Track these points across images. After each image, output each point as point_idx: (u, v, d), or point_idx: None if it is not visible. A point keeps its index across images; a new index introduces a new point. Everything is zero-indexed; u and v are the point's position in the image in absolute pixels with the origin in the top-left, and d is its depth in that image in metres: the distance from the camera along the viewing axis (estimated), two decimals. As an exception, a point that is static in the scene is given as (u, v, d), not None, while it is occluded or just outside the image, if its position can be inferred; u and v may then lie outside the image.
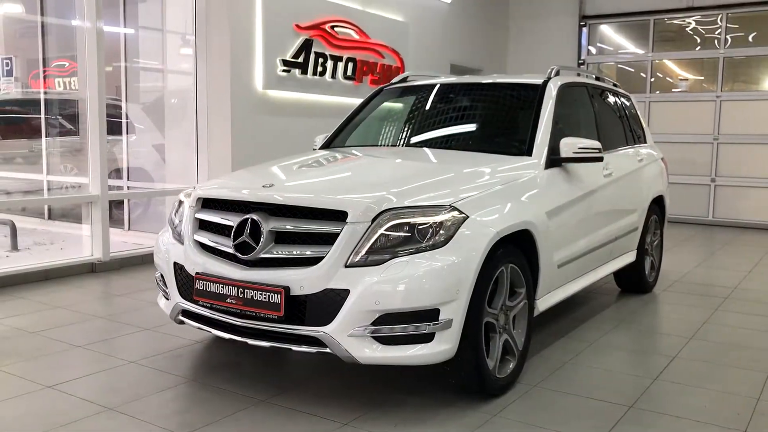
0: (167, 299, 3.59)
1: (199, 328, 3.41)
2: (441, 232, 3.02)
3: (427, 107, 4.69)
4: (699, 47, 10.49)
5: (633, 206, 5.19)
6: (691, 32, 10.53)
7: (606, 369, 3.81)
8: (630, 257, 5.24)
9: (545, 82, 4.36)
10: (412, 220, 3.03)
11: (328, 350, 2.98)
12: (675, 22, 10.61)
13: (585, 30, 11.31)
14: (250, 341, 3.15)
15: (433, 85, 4.78)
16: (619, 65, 11.22)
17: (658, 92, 10.76)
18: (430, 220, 3.04)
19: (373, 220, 3.02)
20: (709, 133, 10.33)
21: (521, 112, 4.39)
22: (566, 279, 4.10)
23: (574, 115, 4.58)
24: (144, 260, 6.47)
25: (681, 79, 10.89)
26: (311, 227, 3.08)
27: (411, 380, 3.52)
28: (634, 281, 5.55)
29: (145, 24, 8.13)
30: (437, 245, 3.00)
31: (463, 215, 3.10)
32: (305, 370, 3.73)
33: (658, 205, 5.77)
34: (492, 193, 3.40)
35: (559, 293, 4.00)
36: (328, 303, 2.96)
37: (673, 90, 10.85)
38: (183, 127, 7.40)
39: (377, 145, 4.72)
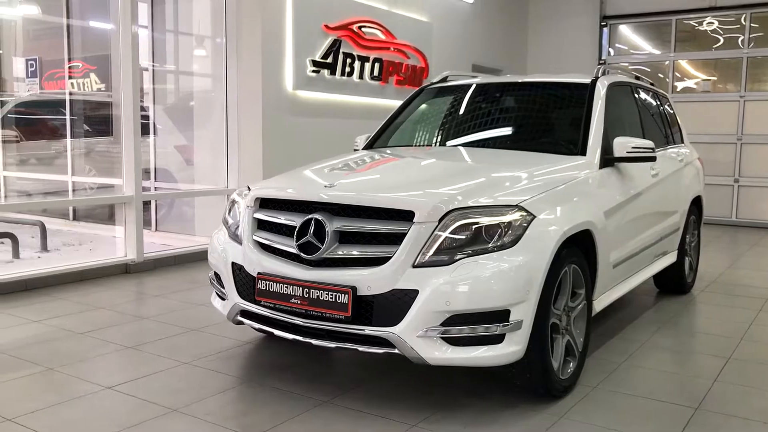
0: (223, 299, 3.58)
1: (258, 330, 3.41)
2: (509, 232, 3.00)
3: (473, 107, 4.67)
4: (720, 47, 10.45)
5: (675, 207, 5.16)
6: (711, 32, 10.49)
7: (661, 370, 3.78)
8: (672, 257, 5.21)
9: (594, 81, 4.33)
10: (479, 220, 3.01)
11: (396, 351, 2.96)
12: (693, 22, 10.57)
13: (606, 30, 11.28)
14: (315, 341, 3.13)
15: (479, 84, 4.75)
16: (638, 65, 11.18)
17: (679, 92, 10.73)
18: (498, 220, 3.02)
19: (440, 220, 3.00)
20: (733, 134, 10.30)
21: (570, 111, 4.37)
22: (619, 279, 4.08)
23: (620, 115, 4.55)
24: (177, 261, 6.48)
25: (703, 80, 10.85)
26: (377, 227, 3.06)
27: (470, 382, 3.49)
28: (674, 282, 5.51)
29: (171, 26, 8.13)
30: (506, 245, 2.98)
31: (531, 215, 3.07)
32: (364, 370, 3.70)
33: (696, 205, 5.74)
34: (555, 192, 3.37)
35: (613, 293, 3.98)
36: (396, 303, 2.94)
37: (694, 90, 10.80)
38: (211, 128, 7.39)
39: (423, 146, 4.70)
